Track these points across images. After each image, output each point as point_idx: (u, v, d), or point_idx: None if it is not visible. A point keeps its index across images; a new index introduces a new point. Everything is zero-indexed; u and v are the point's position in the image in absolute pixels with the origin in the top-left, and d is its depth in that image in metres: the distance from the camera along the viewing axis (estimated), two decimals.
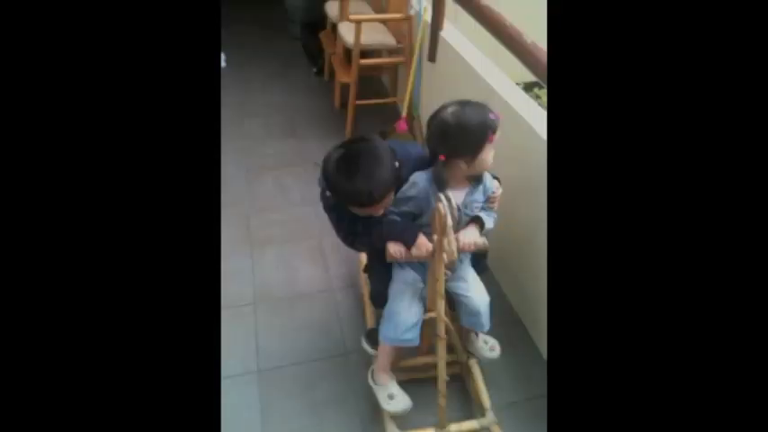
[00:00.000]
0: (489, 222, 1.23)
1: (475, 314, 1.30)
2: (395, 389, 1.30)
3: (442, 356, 1.20)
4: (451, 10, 1.94)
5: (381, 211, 1.16)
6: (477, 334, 1.42)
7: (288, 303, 1.70)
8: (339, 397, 1.44)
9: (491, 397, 1.39)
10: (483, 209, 1.25)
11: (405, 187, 1.20)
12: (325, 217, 1.99)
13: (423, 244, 1.15)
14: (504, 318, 1.67)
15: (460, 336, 1.38)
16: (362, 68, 2.32)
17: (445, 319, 1.18)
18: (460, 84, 1.86)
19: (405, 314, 1.24)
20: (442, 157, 1.12)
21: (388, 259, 1.20)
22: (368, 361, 1.50)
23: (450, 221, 1.01)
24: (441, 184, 1.15)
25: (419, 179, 1.19)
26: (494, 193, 1.24)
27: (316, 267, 1.84)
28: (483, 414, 1.34)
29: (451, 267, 1.21)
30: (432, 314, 1.21)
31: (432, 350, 1.32)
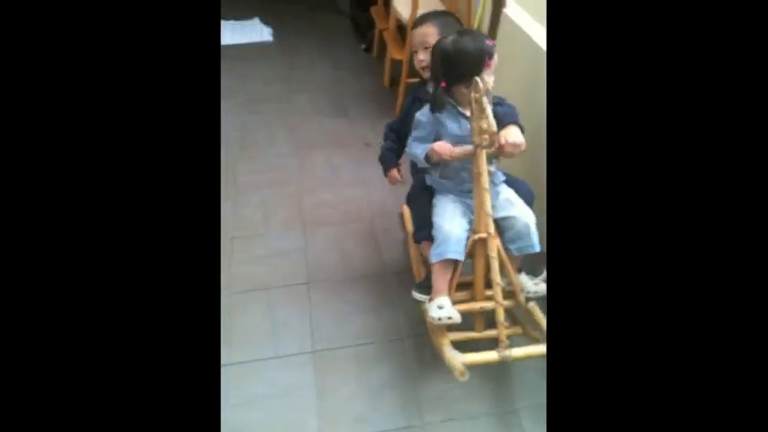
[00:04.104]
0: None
1: (525, 234, 1.29)
2: (446, 302, 1.27)
3: (493, 256, 1.21)
4: None
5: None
6: (520, 270, 1.40)
7: (341, 285, 1.69)
8: (395, 381, 1.43)
9: (521, 398, 1.36)
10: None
11: (415, 132, 1.33)
12: (376, 200, 2.00)
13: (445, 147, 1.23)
14: None
15: (513, 277, 1.34)
16: None
17: (490, 213, 1.22)
18: (524, 64, 1.78)
19: (447, 226, 1.28)
20: (443, 83, 1.24)
21: (434, 159, 1.26)
22: (423, 347, 1.48)
23: (486, 100, 1.11)
24: (438, 107, 1.26)
25: (422, 115, 1.30)
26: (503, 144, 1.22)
27: (368, 250, 1.82)
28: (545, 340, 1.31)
29: (491, 149, 1.21)
30: (481, 234, 1.24)
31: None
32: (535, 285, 1.38)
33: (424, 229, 1.38)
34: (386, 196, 2.02)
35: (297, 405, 1.37)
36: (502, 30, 1.96)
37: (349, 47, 3.05)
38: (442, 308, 1.26)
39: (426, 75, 1.45)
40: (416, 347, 1.51)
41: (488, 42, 1.22)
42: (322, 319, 1.59)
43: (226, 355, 1.47)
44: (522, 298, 1.36)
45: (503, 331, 1.24)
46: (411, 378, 1.44)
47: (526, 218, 1.30)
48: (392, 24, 2.45)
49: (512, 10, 1.92)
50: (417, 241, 1.48)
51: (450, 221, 1.29)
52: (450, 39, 1.23)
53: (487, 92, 1.14)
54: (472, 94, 1.15)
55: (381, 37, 2.74)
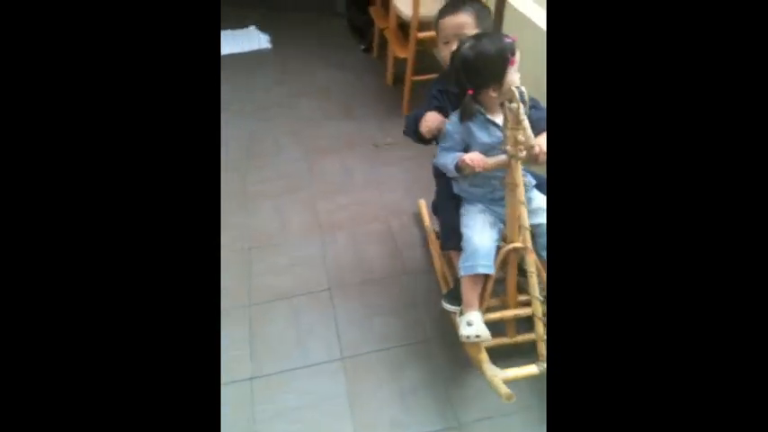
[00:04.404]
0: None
1: None
2: (475, 317, 1.24)
3: (532, 270, 1.17)
4: None
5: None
6: None
7: (363, 289, 1.67)
8: (426, 383, 1.41)
9: None
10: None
11: (443, 143, 1.28)
12: (391, 201, 1.98)
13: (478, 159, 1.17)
14: None
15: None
16: (420, 42, 2.22)
17: (527, 226, 1.17)
18: (532, 55, 1.75)
19: (477, 239, 1.25)
20: (470, 91, 1.19)
21: (466, 171, 1.20)
22: (451, 346, 1.46)
23: (523, 111, 1.06)
24: (468, 115, 1.22)
25: (450, 125, 1.26)
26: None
27: (387, 251, 1.79)
28: None
29: (531, 161, 1.17)
30: (516, 244, 1.20)
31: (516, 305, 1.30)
32: None
33: (452, 239, 1.34)
34: (400, 197, 1.99)
35: (330, 414, 1.35)
36: (506, 18, 1.93)
37: (348, 48, 3.03)
38: (472, 325, 1.23)
39: None
40: (444, 347, 1.48)
41: (507, 40, 1.17)
42: (347, 325, 1.56)
43: (252, 368, 1.45)
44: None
45: (542, 346, 1.20)
46: (442, 378, 1.42)
47: None
48: (393, 23, 2.43)
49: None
50: (445, 250, 1.45)
51: (480, 234, 1.26)
52: (467, 45, 1.18)
53: (523, 101, 1.08)
54: (507, 104, 1.09)
55: (381, 36, 2.72)
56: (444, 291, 1.52)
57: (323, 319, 1.58)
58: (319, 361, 1.46)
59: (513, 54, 1.16)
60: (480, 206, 1.31)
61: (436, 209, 1.49)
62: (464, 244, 1.28)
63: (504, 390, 1.15)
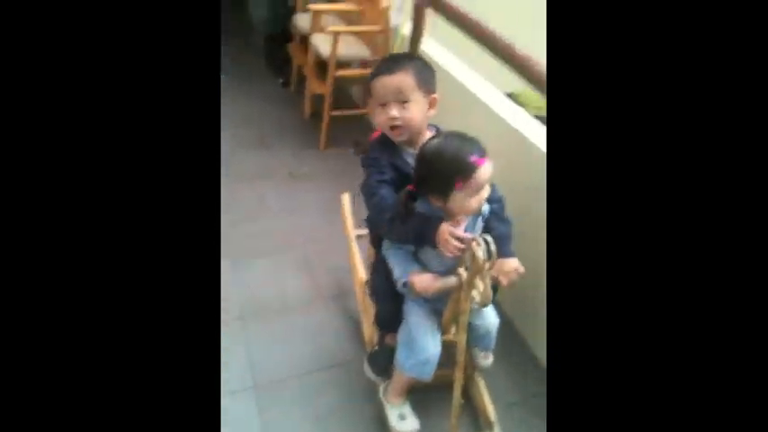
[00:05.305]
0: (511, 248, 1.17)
1: (485, 336, 1.30)
2: (407, 410, 1.29)
3: (459, 379, 1.17)
4: (428, 21, 1.98)
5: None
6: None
7: (278, 316, 1.65)
8: (341, 407, 1.41)
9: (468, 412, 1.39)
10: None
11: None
12: (307, 226, 1.99)
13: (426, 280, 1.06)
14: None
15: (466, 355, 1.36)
16: (337, 80, 2.32)
17: (464, 350, 1.14)
18: (442, 96, 1.89)
19: (432, 350, 1.18)
20: (410, 186, 1.06)
21: (413, 296, 1.12)
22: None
23: (487, 267, 0.96)
24: (406, 211, 1.05)
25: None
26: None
27: (303, 278, 1.79)
28: (490, 428, 1.35)
29: (484, 306, 1.11)
30: (448, 336, 1.23)
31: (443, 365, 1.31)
32: (484, 359, 1.40)
33: (391, 325, 1.29)
34: (317, 223, 2.02)
35: None
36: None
37: (266, 81, 3.07)
38: (405, 418, 1.28)
39: (397, 135, 1.15)
40: (360, 371, 1.49)
41: (471, 158, 0.97)
42: (262, 352, 1.53)
43: None
44: (469, 371, 1.40)
45: (455, 424, 1.23)
46: (358, 402, 1.42)
47: (490, 324, 1.28)
48: (311, 60, 2.51)
49: (427, 45, 2.06)
50: (382, 330, 1.39)
51: (434, 342, 1.19)
52: (437, 139, 1.04)
53: (489, 256, 0.95)
54: (473, 249, 0.95)
55: (300, 72, 2.79)
56: (366, 345, 1.50)
57: (235, 347, 1.53)
58: (230, 390, 1.41)
59: (464, 179, 0.98)
60: (426, 310, 1.21)
61: (375, 291, 1.35)
62: (414, 346, 1.19)
63: None
